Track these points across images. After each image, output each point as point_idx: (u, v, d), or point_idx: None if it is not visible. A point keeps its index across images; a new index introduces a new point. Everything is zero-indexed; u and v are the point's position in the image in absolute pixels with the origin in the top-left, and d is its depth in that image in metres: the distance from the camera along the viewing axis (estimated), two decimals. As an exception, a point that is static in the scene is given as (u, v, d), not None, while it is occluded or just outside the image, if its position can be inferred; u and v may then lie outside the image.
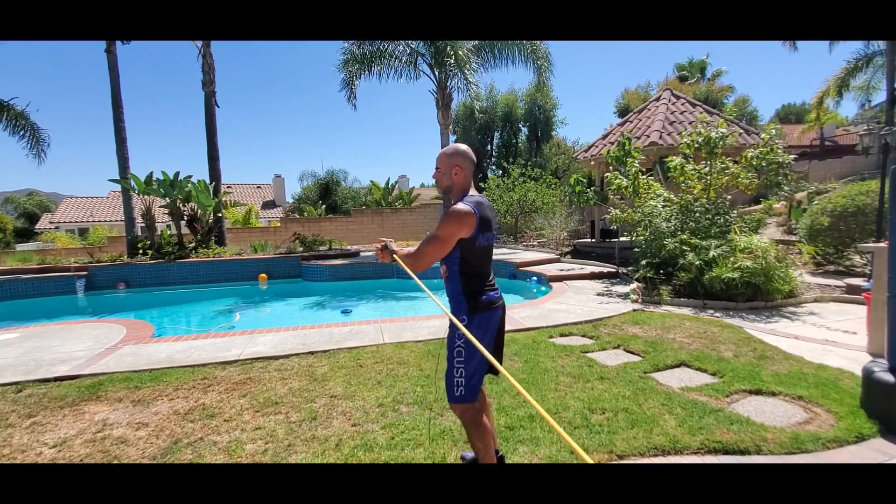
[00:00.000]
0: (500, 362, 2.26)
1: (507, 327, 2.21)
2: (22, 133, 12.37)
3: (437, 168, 2.15)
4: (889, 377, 2.72)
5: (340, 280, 10.22)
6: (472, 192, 2.12)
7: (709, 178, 7.36)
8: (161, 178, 11.15)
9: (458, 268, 2.07)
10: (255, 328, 5.44)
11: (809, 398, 3.09)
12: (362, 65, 12.99)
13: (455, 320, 1.88)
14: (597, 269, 8.67)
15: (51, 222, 28.17)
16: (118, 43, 11.65)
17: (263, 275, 10.39)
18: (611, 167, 8.88)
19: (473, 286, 2.08)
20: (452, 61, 12.43)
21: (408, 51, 13.04)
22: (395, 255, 2.22)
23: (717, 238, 6.58)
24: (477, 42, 13.07)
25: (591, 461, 0.97)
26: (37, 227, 30.19)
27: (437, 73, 12.93)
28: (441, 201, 17.20)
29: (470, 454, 2.46)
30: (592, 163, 12.70)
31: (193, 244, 11.35)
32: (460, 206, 2.00)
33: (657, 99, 13.12)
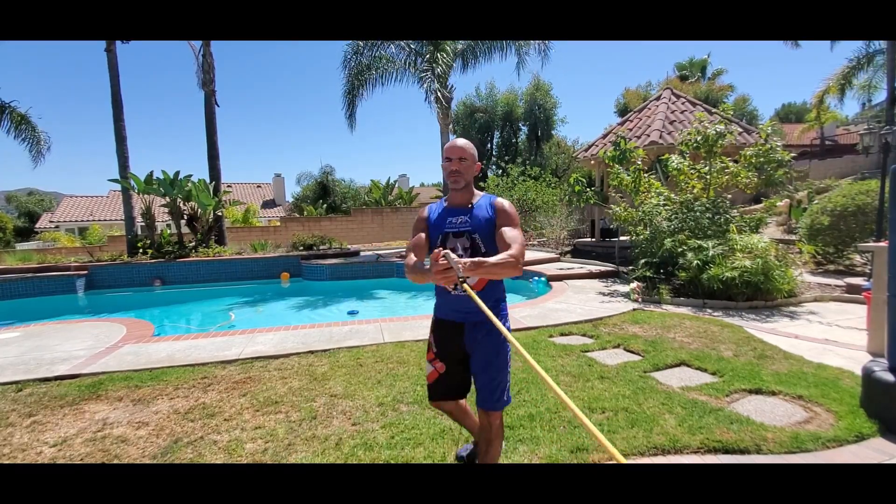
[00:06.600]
0: None
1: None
2: (23, 136, 12.39)
3: (462, 159, 1.96)
4: (889, 376, 2.73)
5: (340, 279, 10.25)
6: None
7: (708, 177, 7.36)
8: (161, 177, 11.14)
9: None
10: (254, 327, 5.44)
11: (809, 397, 3.09)
12: (366, 73, 12.89)
13: (509, 335, 1.51)
14: (597, 269, 8.67)
15: (51, 221, 28.16)
16: (118, 42, 11.64)
17: (286, 273, 10.69)
18: (610, 167, 8.89)
19: (503, 290, 2.06)
20: (447, 59, 12.37)
21: (407, 51, 13.00)
22: (466, 285, 1.50)
23: (716, 237, 6.58)
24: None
25: (623, 461, 0.97)
26: (37, 226, 30.17)
27: (436, 71, 12.89)
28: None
29: (464, 452, 2.44)
30: (592, 162, 12.70)
31: (193, 243, 11.36)
32: (509, 203, 1.97)
33: (657, 98, 13.10)
